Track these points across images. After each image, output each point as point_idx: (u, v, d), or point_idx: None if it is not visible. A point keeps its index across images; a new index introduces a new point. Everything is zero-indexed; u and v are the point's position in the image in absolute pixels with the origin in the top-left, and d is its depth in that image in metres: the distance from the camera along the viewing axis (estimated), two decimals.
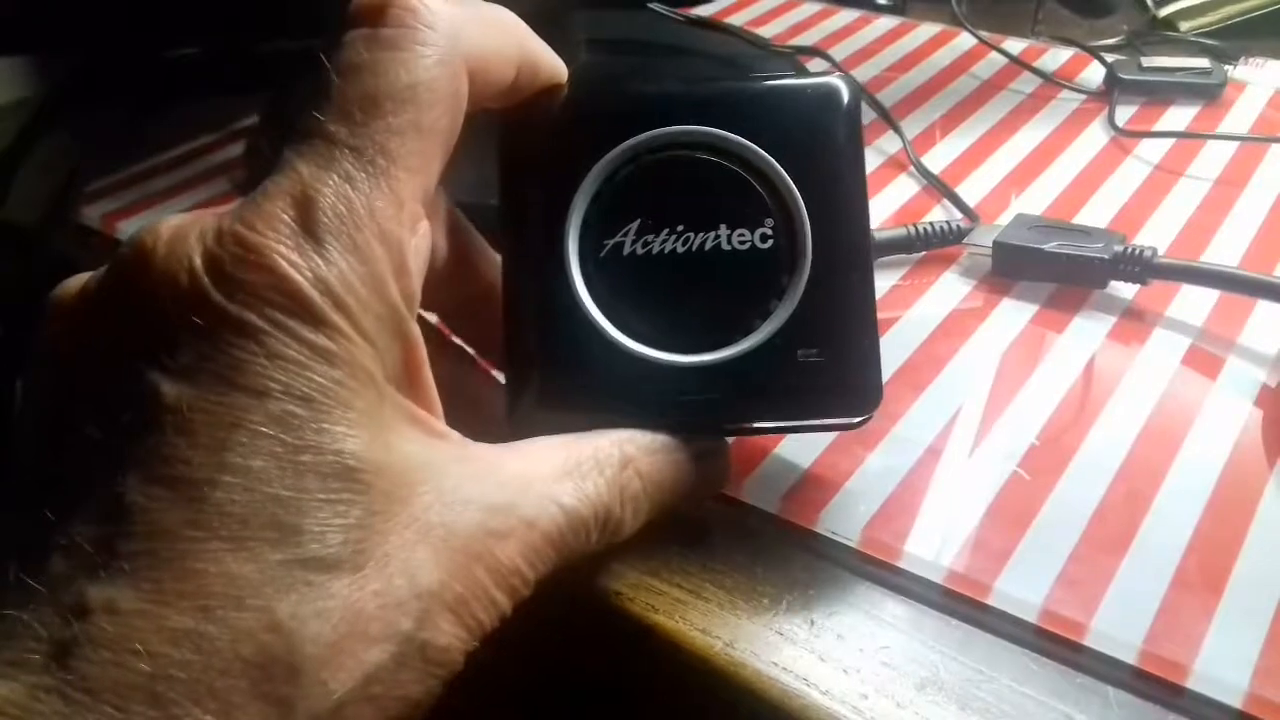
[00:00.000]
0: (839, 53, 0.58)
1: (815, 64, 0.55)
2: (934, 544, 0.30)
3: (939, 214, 0.45)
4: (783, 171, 0.28)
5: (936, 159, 0.49)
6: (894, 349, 0.37)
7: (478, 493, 0.24)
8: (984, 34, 0.59)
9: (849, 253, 0.29)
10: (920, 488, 0.32)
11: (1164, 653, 0.27)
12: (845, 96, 0.29)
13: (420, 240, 0.24)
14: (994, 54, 0.58)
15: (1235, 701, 0.26)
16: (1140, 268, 0.39)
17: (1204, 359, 0.37)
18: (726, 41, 0.57)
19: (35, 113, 0.49)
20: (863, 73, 0.56)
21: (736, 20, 0.62)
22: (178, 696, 0.19)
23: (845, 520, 0.31)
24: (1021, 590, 0.29)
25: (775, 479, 0.32)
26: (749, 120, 0.28)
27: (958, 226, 0.42)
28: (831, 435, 0.33)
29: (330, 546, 0.21)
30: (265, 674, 0.20)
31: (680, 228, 0.28)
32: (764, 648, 0.28)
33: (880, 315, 0.38)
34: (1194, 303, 0.39)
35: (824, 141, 0.28)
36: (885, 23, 0.63)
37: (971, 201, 0.45)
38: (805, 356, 0.28)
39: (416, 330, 0.24)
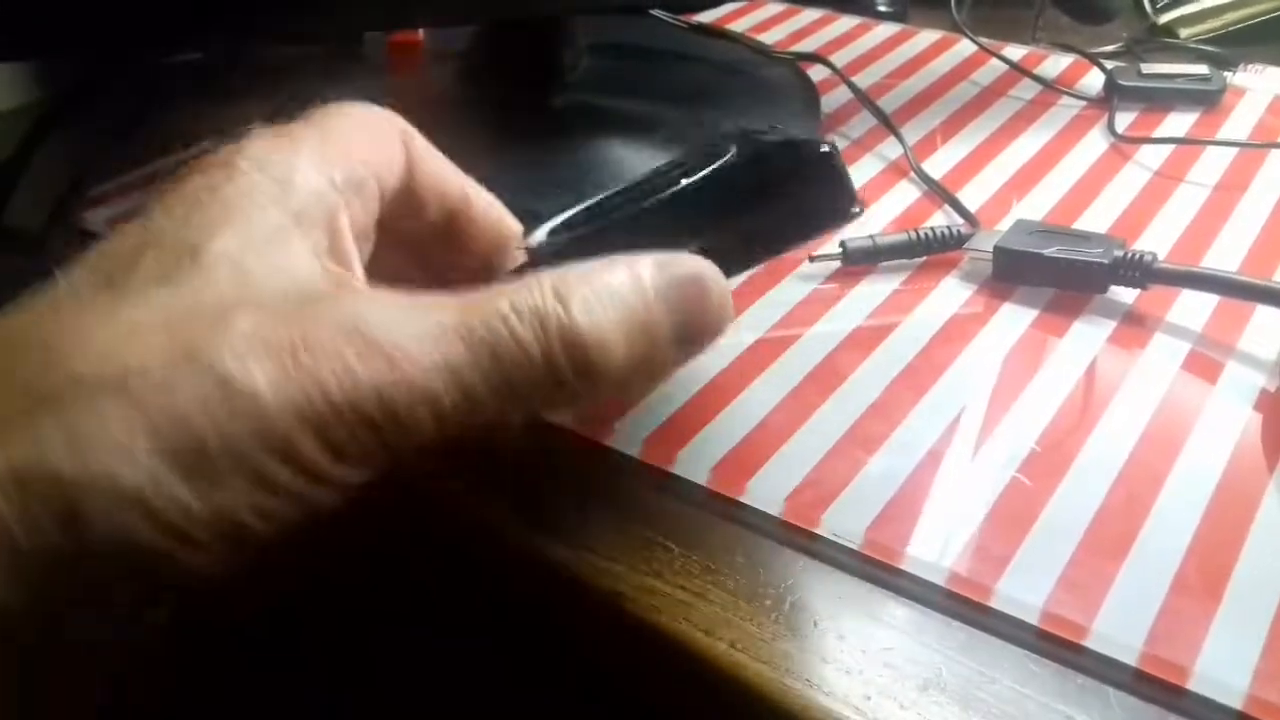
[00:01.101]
0: (840, 59, 0.58)
1: (816, 70, 0.56)
2: (936, 546, 0.30)
3: (940, 219, 0.45)
4: None
5: (937, 165, 0.49)
6: (894, 354, 0.37)
7: (341, 288, 0.25)
8: (984, 40, 0.59)
9: None
10: (922, 491, 0.32)
11: (1165, 655, 0.27)
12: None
13: (364, 169, 0.27)
14: (994, 60, 0.58)
15: (1235, 703, 0.26)
16: (1140, 272, 0.39)
17: (1204, 364, 0.37)
18: (728, 48, 0.57)
19: (37, 119, 0.49)
20: (864, 79, 0.56)
21: (738, 26, 0.62)
22: None
23: (847, 522, 0.31)
24: (1023, 592, 0.29)
25: (778, 481, 0.32)
26: None
27: (958, 232, 0.42)
28: (833, 438, 0.33)
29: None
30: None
31: None
32: (766, 649, 0.28)
33: (881, 320, 0.39)
34: (1194, 308, 0.39)
35: None
36: (885, 29, 0.63)
37: (972, 207, 0.45)
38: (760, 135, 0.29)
39: (337, 196, 0.26)
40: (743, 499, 0.32)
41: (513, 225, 0.32)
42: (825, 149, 0.29)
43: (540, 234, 0.30)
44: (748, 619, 0.29)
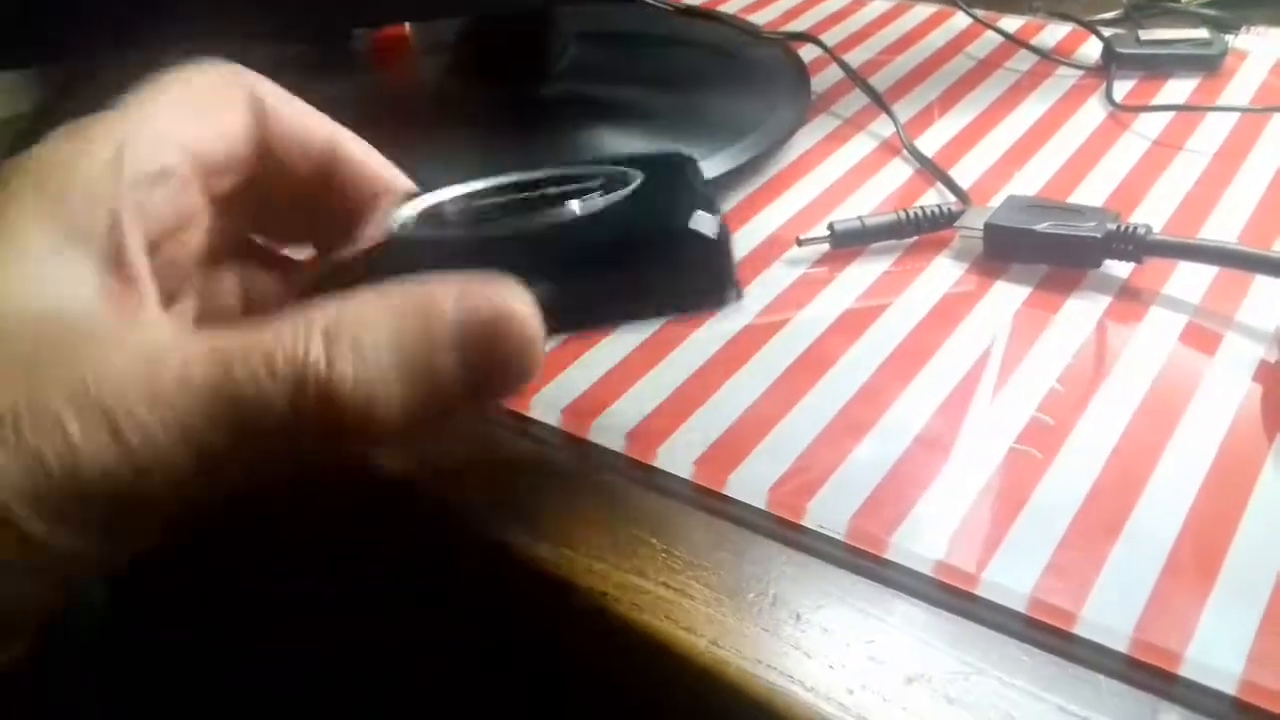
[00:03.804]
0: (832, 37, 0.57)
1: (807, 49, 0.55)
2: (922, 534, 0.29)
3: (932, 198, 0.44)
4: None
5: (931, 141, 0.48)
6: (883, 337, 0.37)
7: (93, 326, 0.22)
8: (979, 12, 0.58)
9: None
10: (908, 478, 0.31)
11: (1156, 640, 0.26)
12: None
13: (168, 155, 0.25)
14: (990, 32, 0.57)
15: (1229, 688, 0.26)
16: (1134, 246, 0.38)
17: (1202, 336, 0.36)
18: (716, 31, 0.56)
19: (29, 124, 0.49)
20: (857, 56, 0.56)
21: (728, 8, 0.61)
22: None
23: (831, 512, 0.30)
24: (1010, 579, 0.28)
25: (762, 472, 0.32)
26: None
27: (948, 210, 0.41)
28: (819, 426, 0.33)
29: None
30: None
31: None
32: (749, 645, 0.28)
33: (871, 302, 0.38)
34: (1191, 280, 0.38)
35: None
36: (879, 5, 0.62)
37: (967, 183, 0.44)
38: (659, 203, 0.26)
39: (122, 200, 0.24)
40: (726, 491, 0.32)
41: (394, 178, 0.29)
42: (705, 232, 0.26)
43: (408, 211, 0.28)
44: (730, 615, 0.28)
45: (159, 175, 0.25)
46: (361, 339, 0.21)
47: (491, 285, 0.22)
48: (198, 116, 0.27)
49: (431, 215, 0.28)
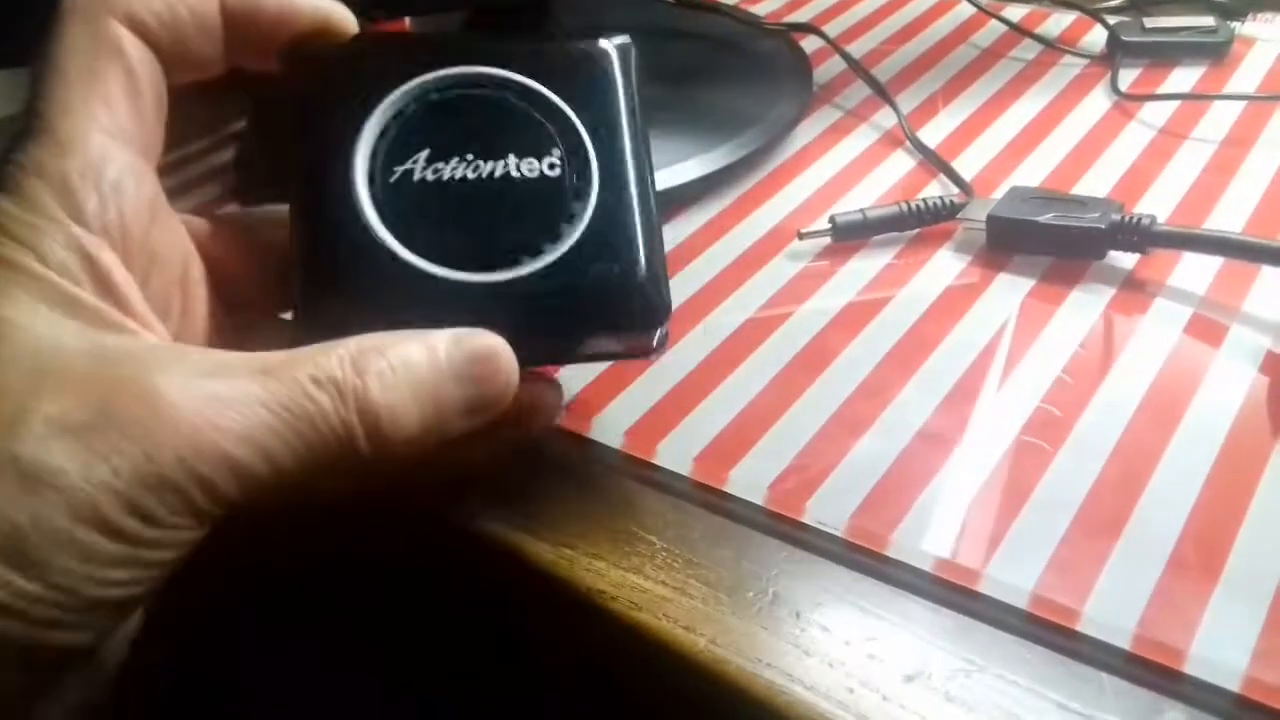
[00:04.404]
0: (834, 28, 0.57)
1: (809, 41, 0.54)
2: (923, 531, 0.29)
3: (935, 189, 0.44)
4: (566, 107, 0.29)
5: (935, 132, 0.48)
6: (885, 331, 0.36)
7: (140, 351, 0.24)
8: (983, 1, 0.57)
9: (632, 177, 0.29)
10: (909, 473, 0.31)
11: (1159, 637, 0.26)
12: (609, 47, 0.30)
13: (109, 165, 0.25)
14: (994, 21, 0.57)
15: (1233, 685, 0.25)
16: (1139, 236, 0.37)
17: (1207, 327, 0.36)
18: (718, 23, 0.56)
19: (23, 123, 0.49)
20: (859, 47, 0.55)
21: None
22: None
23: (832, 509, 0.30)
24: (1012, 576, 0.28)
25: (762, 469, 0.31)
26: (525, 62, 0.29)
27: (951, 202, 0.41)
28: (820, 422, 0.33)
29: None
30: None
31: (469, 156, 0.28)
32: (748, 643, 0.27)
33: (872, 295, 0.38)
34: (1196, 271, 0.38)
35: (601, 82, 0.29)
36: None
37: (971, 174, 0.44)
38: (594, 272, 0.28)
39: (88, 237, 0.24)
40: (725, 488, 0.31)
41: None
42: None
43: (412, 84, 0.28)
44: (729, 613, 0.28)
45: (125, 173, 0.25)
46: (383, 368, 0.25)
47: (478, 331, 0.27)
48: (110, 102, 0.26)
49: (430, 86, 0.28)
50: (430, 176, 0.28)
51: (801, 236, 0.40)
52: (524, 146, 0.28)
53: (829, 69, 0.53)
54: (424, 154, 0.28)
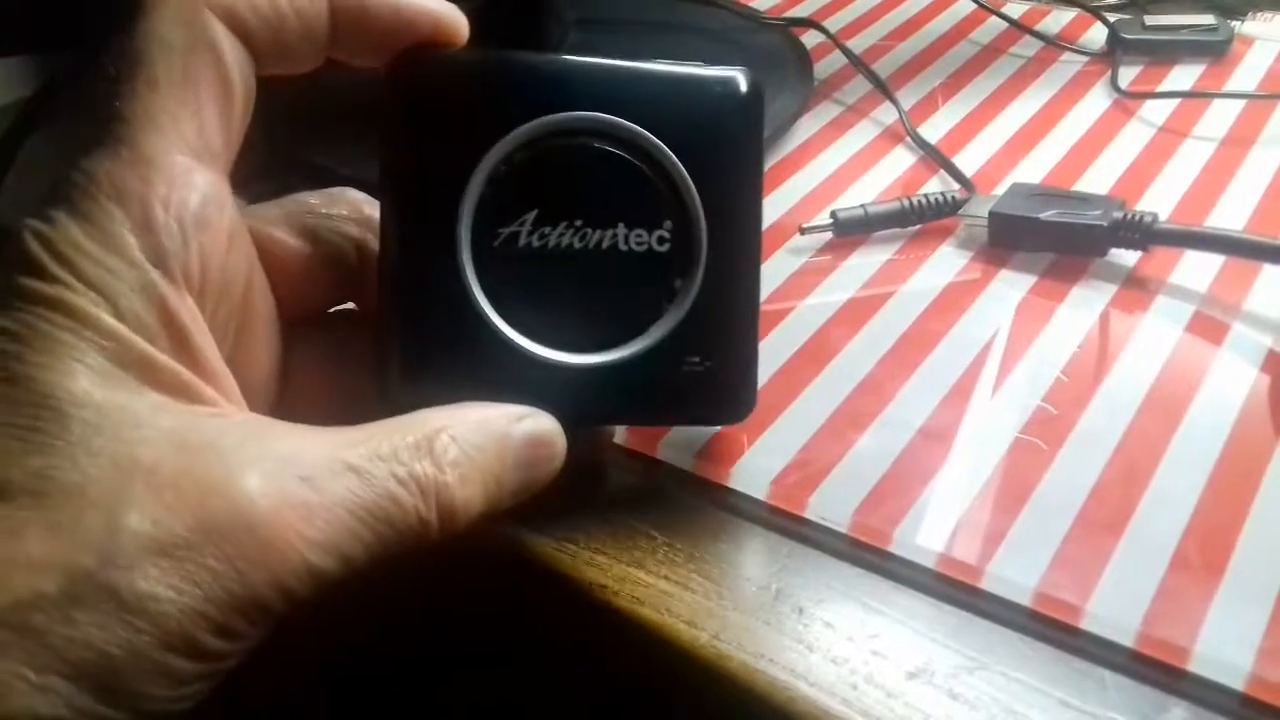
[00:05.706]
0: (835, 23, 0.57)
1: (809, 35, 0.54)
2: (926, 528, 0.29)
3: (936, 185, 0.44)
4: (684, 171, 0.27)
5: (935, 128, 0.48)
6: (886, 327, 0.36)
7: (227, 444, 0.22)
8: None
9: (741, 259, 0.28)
10: (912, 470, 0.31)
11: (1163, 635, 0.26)
12: (744, 88, 0.28)
13: (193, 194, 0.23)
14: (994, 18, 0.57)
15: (1237, 684, 0.25)
16: (1140, 234, 0.37)
17: (1209, 325, 0.36)
18: (718, 16, 0.56)
19: (22, 112, 0.49)
20: (860, 42, 0.55)
21: None
22: None
23: (835, 505, 0.30)
24: (1015, 573, 0.28)
25: (764, 464, 0.31)
26: (653, 109, 0.27)
27: (952, 198, 0.41)
28: (822, 418, 0.33)
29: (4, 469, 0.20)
30: None
31: (579, 223, 0.27)
32: (751, 639, 0.27)
33: (874, 291, 0.38)
34: (1198, 269, 0.38)
35: (724, 138, 0.28)
36: None
37: (971, 170, 0.44)
38: (689, 366, 0.28)
39: (167, 286, 0.22)
40: (728, 484, 0.31)
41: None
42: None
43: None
44: (732, 608, 0.28)
45: (202, 208, 0.23)
46: (458, 457, 0.25)
47: (537, 412, 0.27)
48: (197, 114, 0.24)
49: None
50: (536, 243, 0.27)
51: (803, 231, 0.40)
52: (635, 216, 0.27)
53: (829, 64, 0.53)
54: (532, 215, 0.27)
